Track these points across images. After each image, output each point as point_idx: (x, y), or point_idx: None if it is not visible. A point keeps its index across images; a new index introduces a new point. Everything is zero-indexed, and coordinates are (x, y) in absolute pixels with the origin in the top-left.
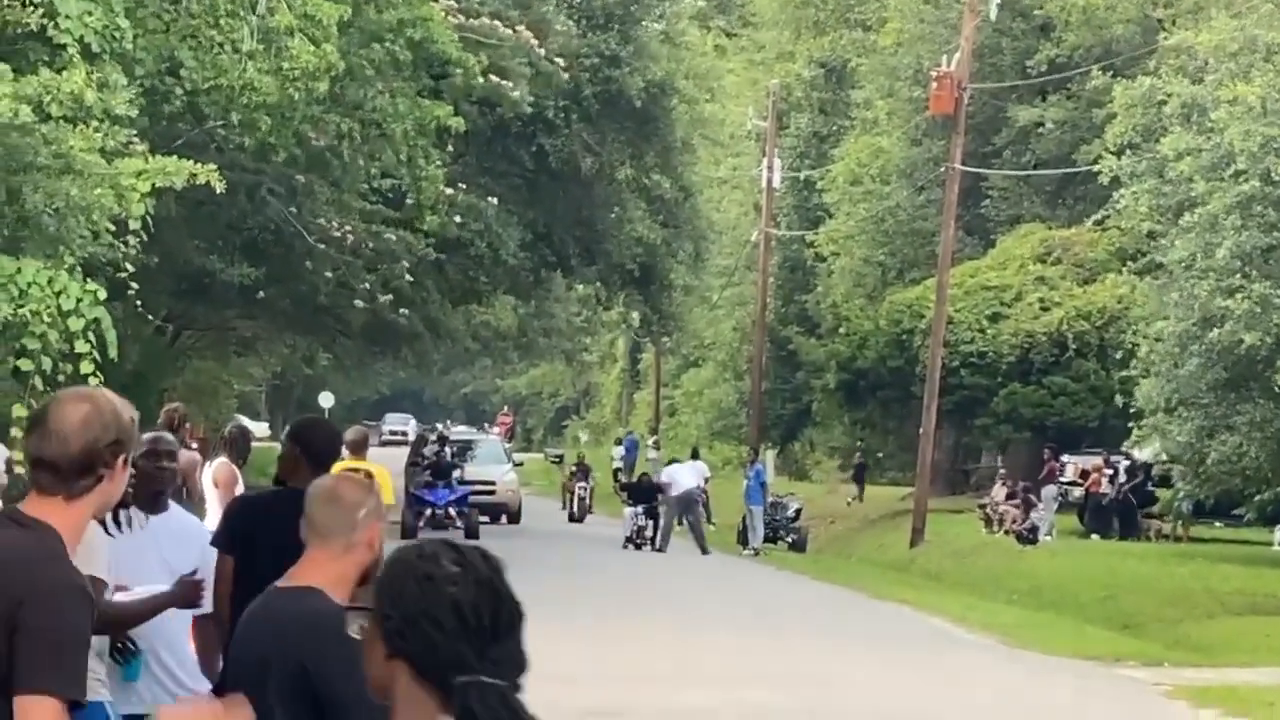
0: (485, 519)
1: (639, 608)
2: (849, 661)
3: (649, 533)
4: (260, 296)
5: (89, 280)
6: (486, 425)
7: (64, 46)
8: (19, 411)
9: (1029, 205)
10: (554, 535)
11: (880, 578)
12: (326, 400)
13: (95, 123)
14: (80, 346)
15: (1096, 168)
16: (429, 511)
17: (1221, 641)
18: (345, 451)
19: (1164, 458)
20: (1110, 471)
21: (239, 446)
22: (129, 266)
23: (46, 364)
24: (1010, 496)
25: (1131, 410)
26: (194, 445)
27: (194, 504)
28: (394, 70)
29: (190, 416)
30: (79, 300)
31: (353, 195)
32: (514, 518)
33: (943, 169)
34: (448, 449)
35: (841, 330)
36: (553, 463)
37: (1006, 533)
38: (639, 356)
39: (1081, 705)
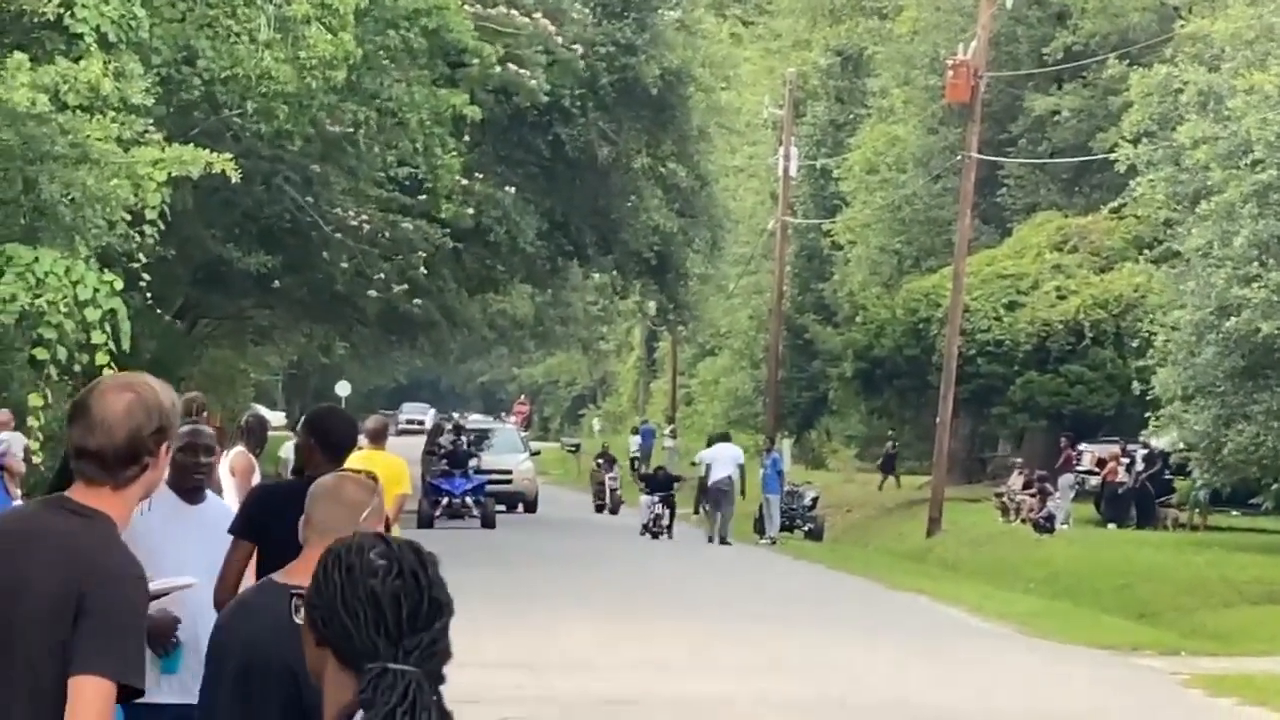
0: (502, 508)
1: (655, 597)
2: (865, 650)
3: (665, 521)
4: (277, 285)
5: (106, 270)
6: (503, 414)
7: (81, 36)
8: (35, 401)
9: (1045, 193)
10: (570, 524)
11: (897, 567)
12: (343, 389)
13: (112, 112)
14: (96, 337)
15: (1113, 156)
16: (445, 500)
17: (1238, 630)
18: (364, 440)
19: (1181, 446)
20: (1127, 460)
21: (256, 435)
22: (142, 257)
23: (62, 354)
24: (1027, 485)
25: (1148, 399)
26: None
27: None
28: (410, 59)
29: (208, 405)
30: (96, 291)
31: (369, 184)
32: (530, 507)
33: (959, 157)
34: (464, 438)
35: (858, 319)
36: (569, 451)
37: (1023, 521)
38: (655, 345)
39: (1098, 694)
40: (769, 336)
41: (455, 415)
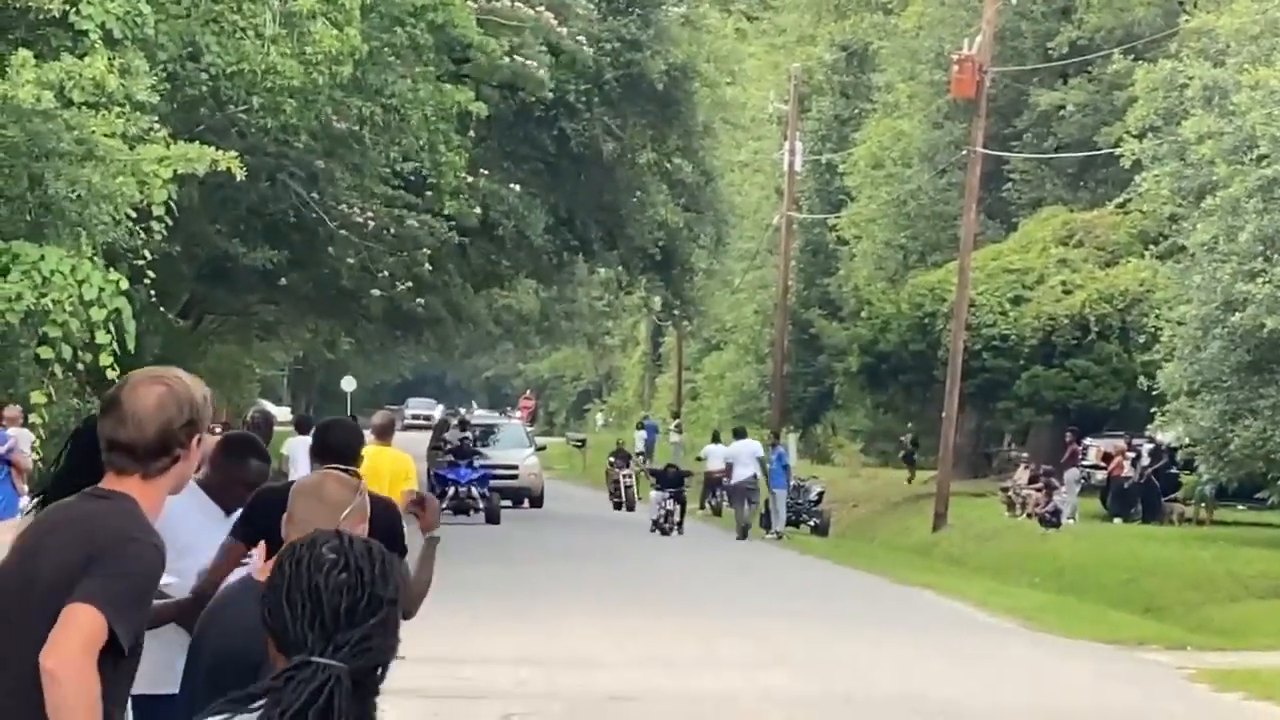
0: (508, 503)
1: (660, 592)
2: (871, 645)
3: (676, 517)
4: (282, 281)
5: (111, 269)
6: (509, 409)
7: (86, 32)
8: (39, 398)
9: (1050, 188)
10: (577, 520)
11: (903, 561)
12: (349, 385)
13: (117, 109)
14: (101, 337)
15: (1118, 151)
16: (451, 490)
17: (1244, 625)
18: (371, 436)
19: (1187, 441)
20: (1132, 455)
21: (261, 431)
22: (147, 254)
23: (67, 353)
24: (1033, 480)
25: (1154, 393)
26: (218, 430)
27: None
28: (415, 54)
29: (214, 401)
30: (101, 290)
31: (374, 180)
32: (536, 502)
33: (964, 152)
34: (469, 433)
35: (863, 314)
36: (575, 446)
37: (1029, 516)
38: (660, 340)
39: (1104, 688)
40: (774, 331)
41: (462, 410)
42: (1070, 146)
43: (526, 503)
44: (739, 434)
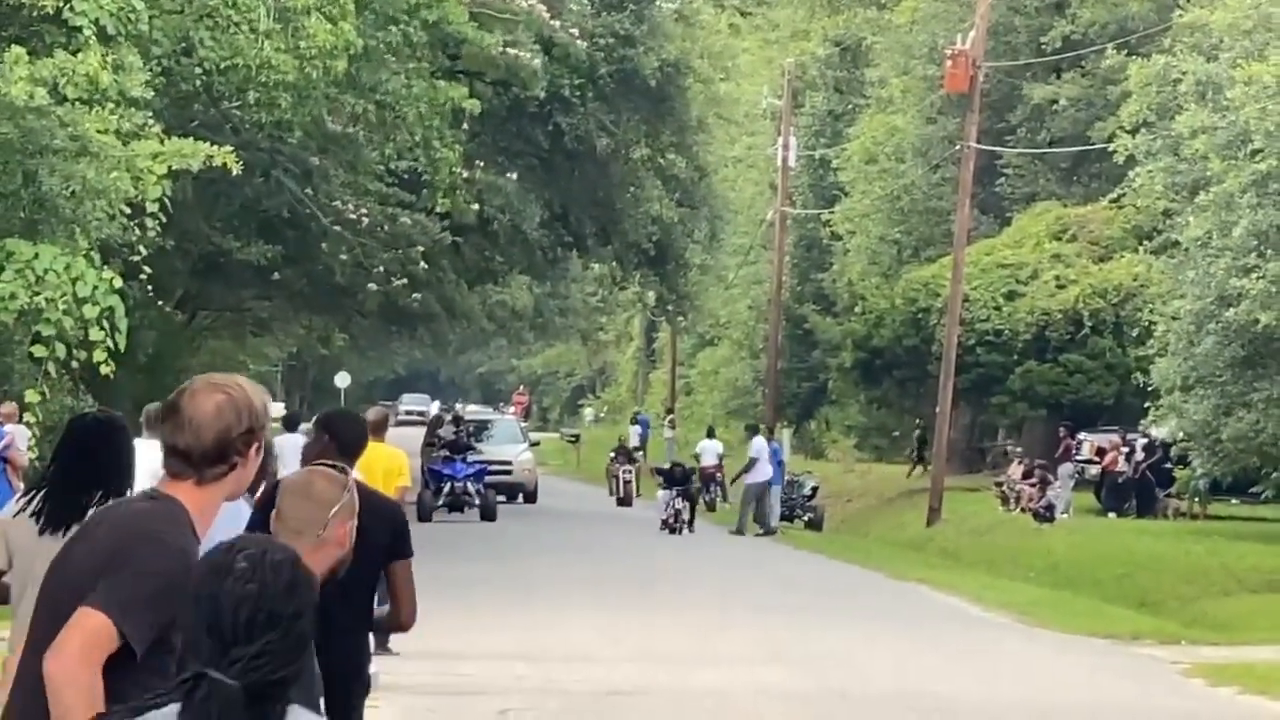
0: (502, 498)
1: (656, 588)
2: (866, 641)
3: (686, 516)
4: (276, 277)
5: (105, 267)
6: (502, 405)
7: (80, 29)
8: (33, 397)
9: (1044, 183)
10: (572, 516)
11: (897, 556)
12: (343, 380)
13: (111, 105)
14: (94, 334)
15: (1112, 146)
16: (447, 486)
17: (1239, 619)
18: None
19: (1181, 436)
20: (1127, 449)
21: None
22: (143, 249)
23: (61, 351)
24: (1027, 475)
25: (1148, 388)
26: None
27: None
28: (409, 51)
29: None
30: (95, 288)
31: (368, 178)
32: (530, 497)
33: (958, 147)
34: (463, 429)
35: (857, 309)
36: (569, 442)
37: (1023, 511)
38: (654, 336)
39: (1099, 683)
40: (768, 326)
41: (458, 406)
42: (1064, 141)
43: (520, 498)
44: (754, 430)
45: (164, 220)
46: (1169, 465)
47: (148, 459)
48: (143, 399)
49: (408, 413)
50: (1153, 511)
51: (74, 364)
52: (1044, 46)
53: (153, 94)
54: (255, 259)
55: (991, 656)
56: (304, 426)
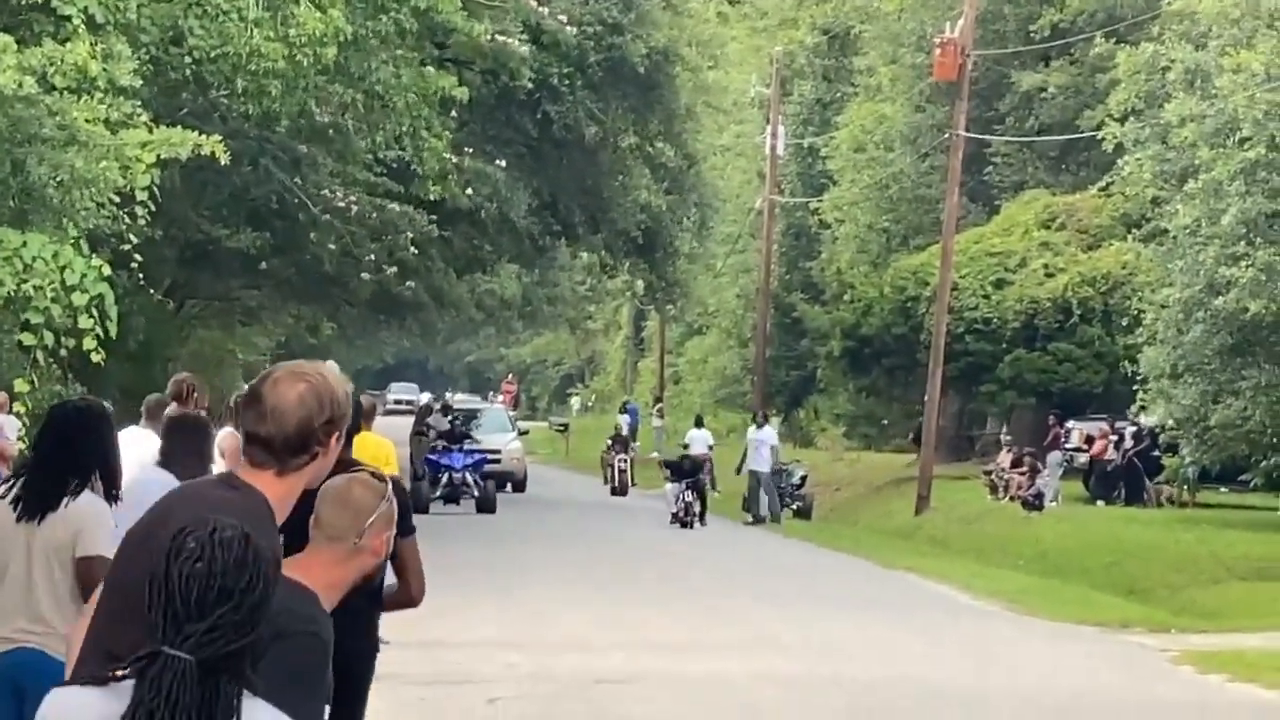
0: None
1: (648, 577)
2: (857, 628)
3: (697, 509)
4: (264, 266)
5: (94, 255)
6: (491, 394)
7: (69, 18)
8: (21, 386)
9: (1033, 171)
10: (565, 504)
11: (886, 545)
12: (331, 370)
13: (99, 94)
14: (84, 322)
15: (1100, 134)
16: (445, 477)
17: (1228, 607)
18: None
19: (1170, 423)
20: (1115, 438)
21: None
22: (132, 238)
23: (50, 339)
24: (1015, 463)
25: (1136, 377)
26: (203, 415)
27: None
28: (400, 39)
29: (198, 386)
30: (83, 275)
31: (357, 167)
32: (519, 486)
33: (946, 135)
34: (450, 418)
35: (846, 297)
36: (558, 431)
37: (1012, 499)
38: (643, 324)
39: (1089, 670)
40: (757, 315)
41: (448, 394)
42: (1052, 129)
43: (509, 487)
44: (764, 419)
45: (153, 209)
46: (1158, 453)
47: (143, 448)
48: (131, 388)
49: (396, 402)
50: (1141, 499)
51: (63, 352)
52: (1033, 34)
53: (141, 83)
54: (244, 248)
55: (981, 644)
56: None
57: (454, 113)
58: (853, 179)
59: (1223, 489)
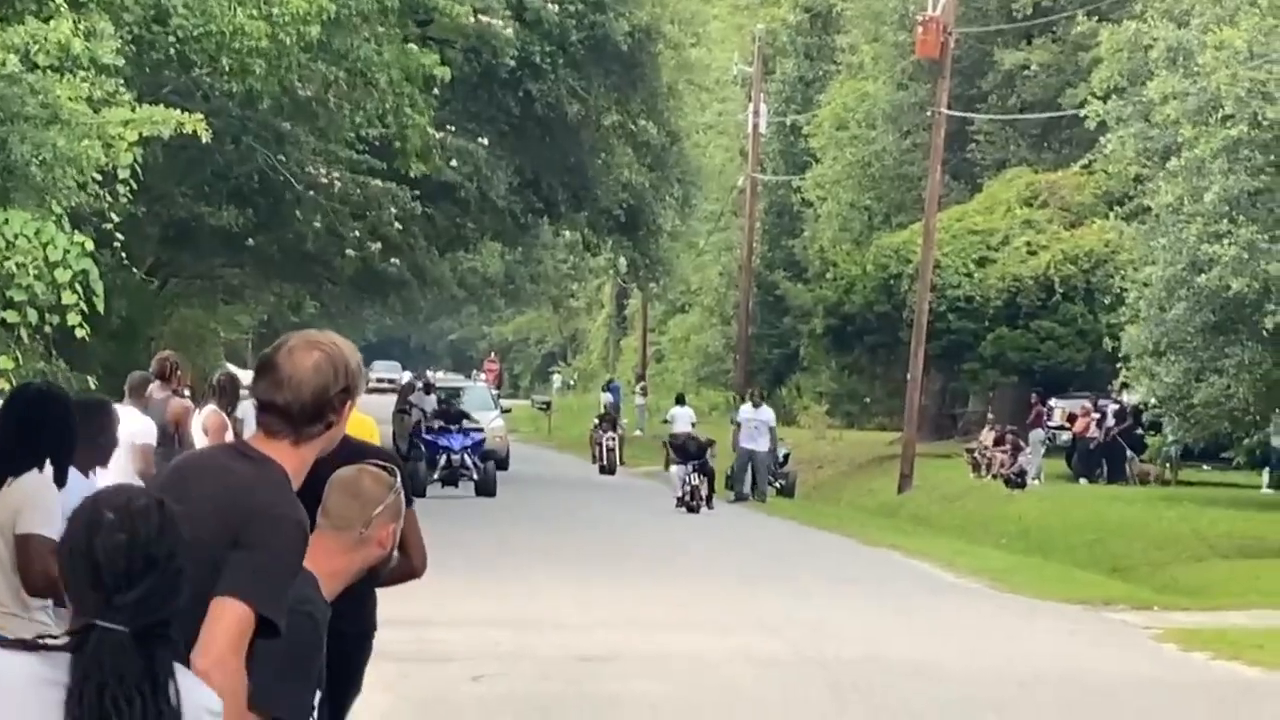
0: None
1: (632, 555)
2: (840, 607)
3: (704, 492)
4: (248, 244)
5: (77, 231)
6: (474, 372)
7: None
8: (4, 363)
9: (1015, 149)
10: (550, 483)
11: (869, 523)
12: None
13: (82, 72)
14: (67, 298)
15: (1082, 112)
16: (443, 459)
17: (1210, 584)
18: None
19: (1152, 401)
20: (1098, 415)
21: (228, 394)
22: (115, 216)
23: (33, 316)
24: (998, 441)
25: (1119, 355)
26: (186, 393)
27: (185, 451)
28: (381, 17)
29: (181, 364)
30: (66, 252)
31: (340, 144)
32: (501, 464)
33: (929, 113)
34: (433, 396)
35: (828, 275)
36: (540, 409)
37: (994, 477)
38: (626, 302)
39: (1071, 648)
40: (739, 293)
41: (429, 373)
42: (1034, 107)
43: (492, 465)
44: (761, 398)
45: (135, 187)
46: (1140, 431)
47: (127, 426)
48: (114, 365)
49: (379, 380)
50: (1124, 477)
51: (47, 329)
52: (1015, 12)
53: (124, 61)
54: (226, 225)
55: (964, 622)
56: None
57: (436, 91)
58: (835, 157)
59: (1205, 466)
